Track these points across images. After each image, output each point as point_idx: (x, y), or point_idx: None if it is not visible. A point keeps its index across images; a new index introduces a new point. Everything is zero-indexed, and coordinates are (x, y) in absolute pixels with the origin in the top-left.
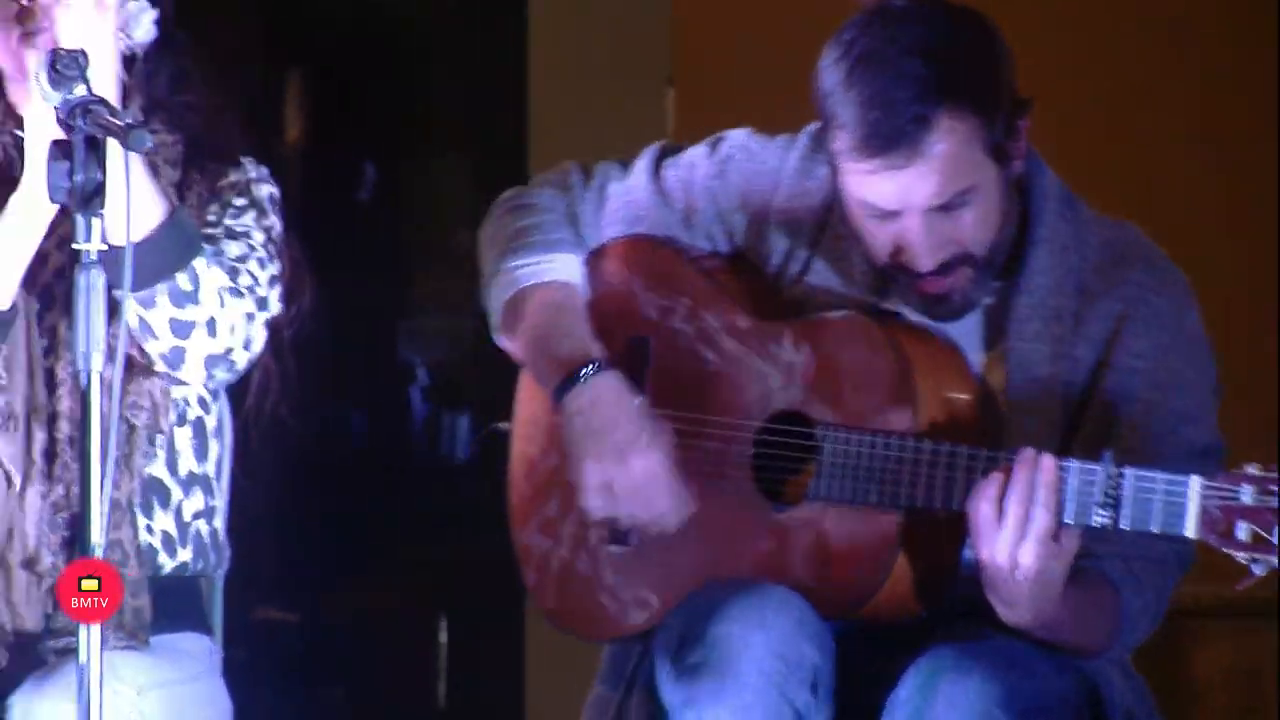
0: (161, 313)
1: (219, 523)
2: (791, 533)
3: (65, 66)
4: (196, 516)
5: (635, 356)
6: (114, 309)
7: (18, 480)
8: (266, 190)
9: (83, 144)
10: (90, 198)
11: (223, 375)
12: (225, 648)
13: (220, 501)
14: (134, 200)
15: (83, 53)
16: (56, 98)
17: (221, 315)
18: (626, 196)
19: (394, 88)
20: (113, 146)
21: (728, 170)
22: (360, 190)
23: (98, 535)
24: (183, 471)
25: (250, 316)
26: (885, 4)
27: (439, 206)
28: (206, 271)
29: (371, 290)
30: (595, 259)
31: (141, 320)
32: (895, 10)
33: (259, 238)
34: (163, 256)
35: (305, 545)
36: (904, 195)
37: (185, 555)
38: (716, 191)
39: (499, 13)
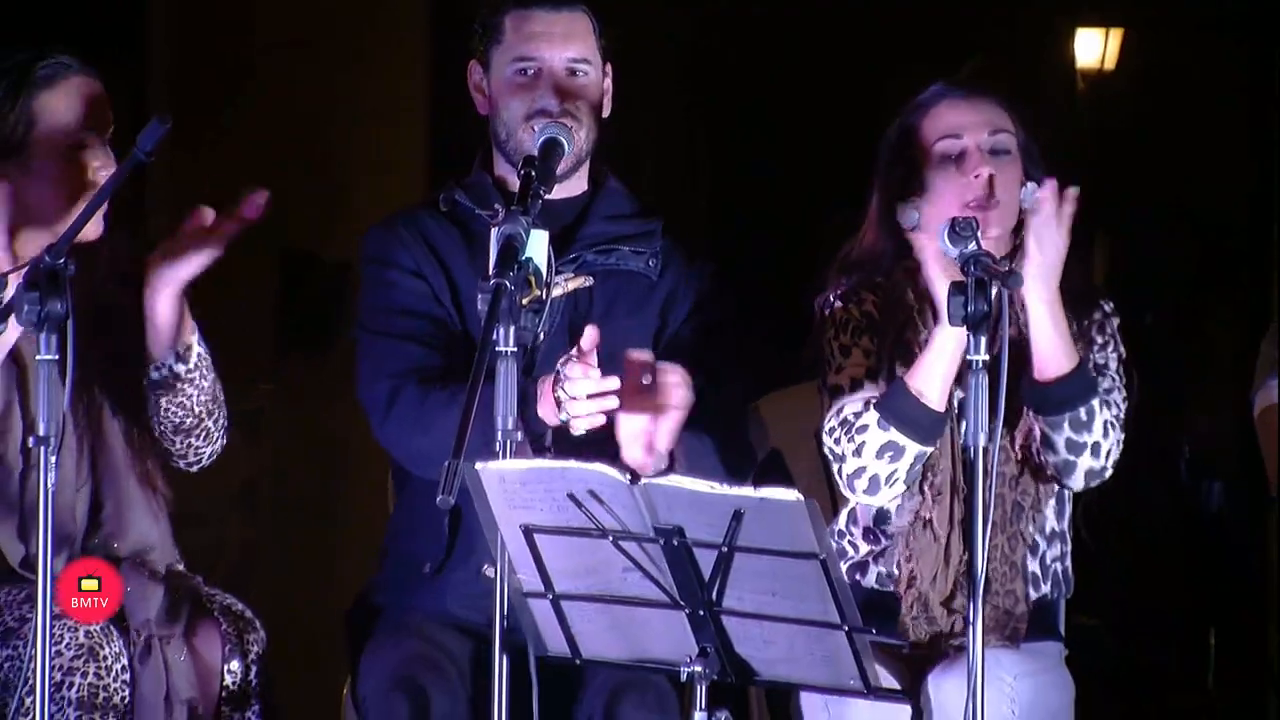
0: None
1: (1067, 562)
2: None
3: (962, 230)
4: (1054, 560)
5: None
6: None
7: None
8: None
9: (973, 284)
10: (980, 322)
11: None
12: None
13: (1067, 547)
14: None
15: (975, 220)
16: (954, 251)
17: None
18: None
19: None
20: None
21: None
22: None
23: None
24: (1047, 530)
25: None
26: None
27: None
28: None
29: None
30: None
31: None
32: None
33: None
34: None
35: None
36: None
37: (1046, 588)
38: None
39: None
